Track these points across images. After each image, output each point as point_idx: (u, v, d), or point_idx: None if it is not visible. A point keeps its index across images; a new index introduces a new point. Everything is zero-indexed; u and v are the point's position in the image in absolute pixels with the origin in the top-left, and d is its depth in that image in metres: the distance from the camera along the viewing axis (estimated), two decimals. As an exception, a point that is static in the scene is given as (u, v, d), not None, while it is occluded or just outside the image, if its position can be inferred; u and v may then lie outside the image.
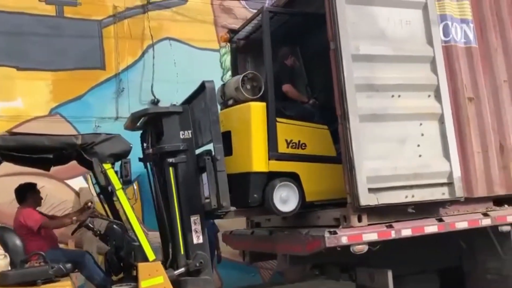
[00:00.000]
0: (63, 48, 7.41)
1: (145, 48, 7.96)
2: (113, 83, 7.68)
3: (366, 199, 4.42)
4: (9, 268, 4.03)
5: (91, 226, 4.79)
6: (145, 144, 4.93)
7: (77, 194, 7.09)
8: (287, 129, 4.97)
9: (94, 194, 4.75)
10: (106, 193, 4.79)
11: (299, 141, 4.99)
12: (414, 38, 4.97)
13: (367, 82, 4.67)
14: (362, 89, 4.64)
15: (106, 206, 4.87)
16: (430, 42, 5.01)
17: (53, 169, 5.27)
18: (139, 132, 5.19)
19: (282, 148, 4.91)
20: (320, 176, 4.97)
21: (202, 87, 4.69)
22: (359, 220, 4.48)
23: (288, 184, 4.82)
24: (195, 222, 4.48)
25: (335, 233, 4.34)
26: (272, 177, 4.83)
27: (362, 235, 4.40)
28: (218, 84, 8.24)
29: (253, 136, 4.86)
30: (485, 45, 5.50)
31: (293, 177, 4.89)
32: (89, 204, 4.83)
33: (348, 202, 4.48)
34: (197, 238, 4.48)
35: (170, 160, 4.50)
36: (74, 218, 4.78)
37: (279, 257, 6.21)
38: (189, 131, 4.59)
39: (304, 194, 4.88)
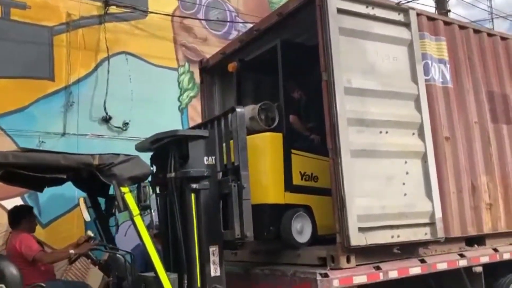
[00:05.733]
0: (8, 53, 6.68)
1: (99, 60, 7.38)
2: (62, 96, 7.01)
3: (357, 239, 4.23)
4: None
5: (91, 255, 4.53)
6: (154, 167, 4.62)
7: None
8: (301, 161, 4.87)
9: (88, 219, 4.33)
10: (102, 219, 4.46)
11: (311, 174, 4.90)
12: (400, 74, 4.93)
13: (358, 117, 4.53)
14: (354, 124, 4.48)
15: (101, 232, 4.55)
16: (414, 79, 4.99)
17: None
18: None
19: (297, 180, 4.80)
20: (331, 210, 4.70)
21: (229, 112, 4.49)
22: (348, 261, 4.27)
23: (303, 215, 4.72)
24: (214, 253, 4.24)
25: (326, 275, 4.09)
26: (286, 209, 4.67)
27: (353, 278, 4.19)
28: (175, 104, 8.04)
29: (271, 167, 4.71)
30: (459, 86, 5.58)
31: (306, 210, 4.77)
32: (90, 235, 4.43)
33: (338, 241, 4.26)
34: (215, 270, 4.23)
35: (193, 186, 4.23)
36: (72, 252, 4.34)
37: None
38: (213, 157, 4.38)
39: (316, 227, 4.77)
